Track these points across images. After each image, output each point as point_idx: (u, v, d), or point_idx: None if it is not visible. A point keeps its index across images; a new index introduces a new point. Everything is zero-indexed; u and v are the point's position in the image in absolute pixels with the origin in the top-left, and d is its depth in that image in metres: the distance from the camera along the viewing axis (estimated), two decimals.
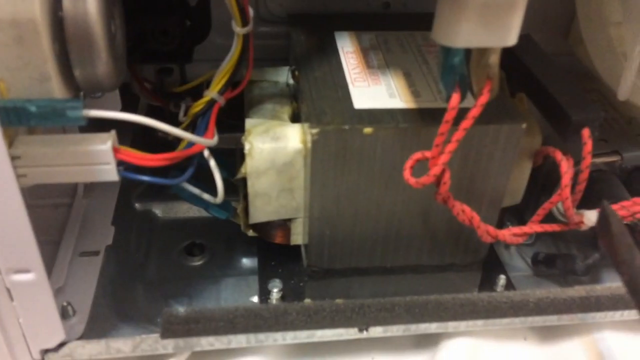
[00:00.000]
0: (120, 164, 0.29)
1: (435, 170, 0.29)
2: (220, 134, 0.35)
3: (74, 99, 0.27)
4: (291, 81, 0.39)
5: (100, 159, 0.28)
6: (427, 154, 0.29)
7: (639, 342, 0.38)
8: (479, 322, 0.35)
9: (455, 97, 0.27)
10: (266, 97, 0.38)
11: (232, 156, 0.40)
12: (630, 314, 0.36)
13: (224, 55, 0.34)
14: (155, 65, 0.40)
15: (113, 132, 0.29)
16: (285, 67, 0.41)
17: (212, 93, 0.34)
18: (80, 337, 0.33)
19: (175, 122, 0.37)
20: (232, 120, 0.38)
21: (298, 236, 0.38)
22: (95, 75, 0.28)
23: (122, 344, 0.33)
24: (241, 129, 0.35)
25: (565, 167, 0.32)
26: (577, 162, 0.34)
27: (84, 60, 0.27)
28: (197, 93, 0.40)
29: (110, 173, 0.29)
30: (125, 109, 0.38)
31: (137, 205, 0.45)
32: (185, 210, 0.46)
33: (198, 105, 0.34)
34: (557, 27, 0.48)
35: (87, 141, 0.28)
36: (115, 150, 0.28)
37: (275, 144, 0.33)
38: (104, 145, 0.28)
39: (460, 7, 0.25)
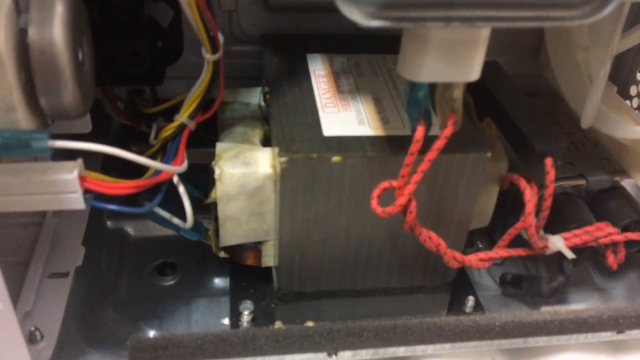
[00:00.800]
0: (88, 191, 0.29)
1: (402, 200, 0.29)
2: (193, 149, 0.35)
3: (39, 130, 0.27)
4: (263, 103, 0.40)
5: (66, 187, 0.28)
6: (394, 183, 0.30)
7: None
8: (447, 346, 0.35)
9: (420, 130, 0.28)
10: (237, 120, 0.38)
11: (205, 172, 0.40)
12: (594, 337, 0.37)
13: (197, 72, 0.34)
14: (126, 87, 0.39)
15: (80, 161, 0.28)
16: (257, 88, 0.41)
17: (182, 118, 0.34)
18: None
19: (147, 142, 0.38)
20: (206, 134, 0.38)
21: (269, 258, 0.38)
22: (62, 104, 0.28)
23: None
24: (213, 143, 0.35)
25: (529, 195, 0.33)
26: (542, 186, 0.35)
27: (50, 89, 0.27)
28: (169, 113, 0.40)
29: (76, 202, 0.29)
30: (97, 128, 0.37)
31: (108, 223, 0.45)
32: (158, 229, 0.45)
33: (168, 130, 0.34)
34: (526, 50, 0.49)
35: (53, 170, 0.28)
36: (81, 179, 0.28)
37: (246, 169, 0.34)
38: (70, 174, 0.28)
39: (423, 43, 0.25)
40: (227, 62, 0.34)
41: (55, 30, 0.26)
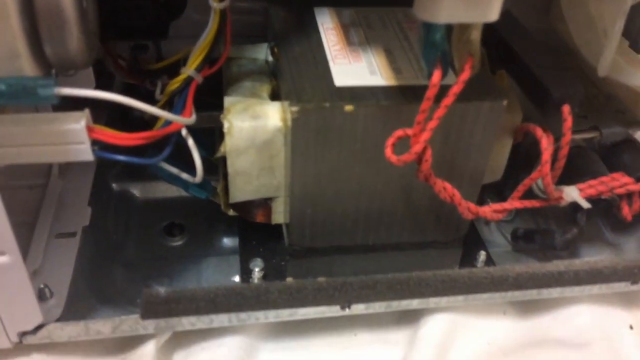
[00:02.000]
0: (95, 143, 0.28)
1: (417, 147, 0.28)
2: (199, 113, 0.34)
3: (45, 76, 0.26)
4: (270, 58, 0.39)
5: (74, 138, 0.27)
6: (409, 131, 0.29)
7: (614, 314, 0.38)
8: (460, 298, 0.35)
9: (436, 74, 0.27)
10: (245, 75, 0.37)
11: (211, 135, 0.40)
12: (607, 288, 0.36)
13: (200, 31, 0.33)
14: (129, 41, 0.38)
15: (87, 111, 0.28)
16: (264, 44, 0.40)
17: (189, 70, 0.33)
18: (59, 319, 0.33)
19: (151, 101, 0.37)
20: (211, 99, 0.37)
21: (279, 215, 0.37)
22: (67, 52, 0.27)
23: (102, 326, 0.32)
24: (220, 107, 0.35)
25: (546, 143, 0.33)
26: (557, 139, 0.34)
27: (55, 36, 0.26)
28: (173, 71, 0.39)
29: (84, 153, 0.28)
30: (99, 87, 0.36)
31: (114, 185, 0.45)
32: (164, 190, 0.45)
33: (175, 83, 0.33)
34: (538, 3, 0.48)
35: (60, 120, 0.27)
36: (89, 129, 0.27)
37: (255, 122, 0.33)
38: (78, 124, 0.27)
39: None
40: (233, 18, 0.33)
41: None
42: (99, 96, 0.27)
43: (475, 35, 0.27)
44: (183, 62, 0.35)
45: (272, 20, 0.38)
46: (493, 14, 0.26)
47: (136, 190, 0.45)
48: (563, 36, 0.45)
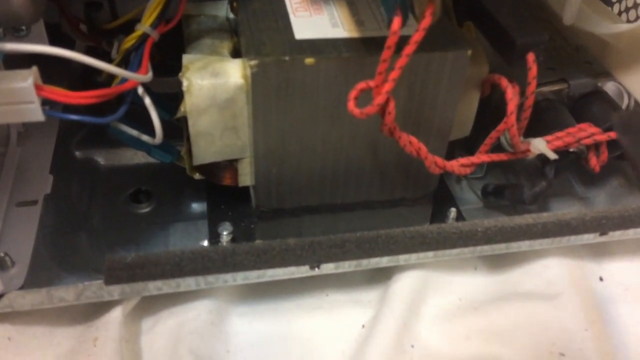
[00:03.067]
0: (46, 102, 0.27)
1: (380, 99, 0.28)
2: (160, 77, 0.33)
3: None
4: (231, 15, 0.37)
5: (22, 97, 0.26)
6: (371, 83, 0.28)
7: (584, 266, 0.39)
8: (430, 254, 0.35)
9: (396, 21, 0.26)
10: (205, 32, 0.36)
11: (174, 100, 0.38)
12: (576, 239, 0.37)
13: None
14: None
15: (34, 68, 0.26)
16: (223, 1, 0.39)
17: (143, 27, 0.32)
18: (21, 287, 0.32)
19: (109, 62, 0.36)
20: (172, 61, 0.36)
21: (246, 177, 0.36)
22: (11, 5, 0.26)
23: (65, 292, 0.32)
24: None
25: (511, 94, 0.32)
26: (524, 90, 0.33)
27: None
28: (131, 30, 0.38)
29: (34, 112, 0.27)
30: None
31: (77, 153, 0.44)
32: (130, 157, 0.44)
33: (130, 41, 0.32)
34: None
35: (5, 79, 0.26)
36: (37, 88, 0.26)
37: (215, 79, 0.32)
38: (25, 82, 0.26)
39: None
40: None
41: None
42: (46, 51, 0.26)
43: None
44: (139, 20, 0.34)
45: None
46: None
47: (100, 157, 0.44)
48: None
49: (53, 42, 0.34)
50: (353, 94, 0.29)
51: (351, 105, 0.28)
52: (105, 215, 0.40)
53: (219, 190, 0.38)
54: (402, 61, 0.27)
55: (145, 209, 0.41)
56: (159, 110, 0.34)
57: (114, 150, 0.44)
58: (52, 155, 0.41)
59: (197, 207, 0.41)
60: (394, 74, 0.27)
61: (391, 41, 0.26)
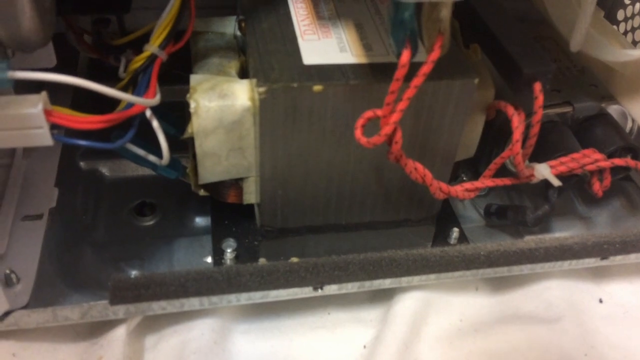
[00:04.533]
0: (55, 127, 0.27)
1: (387, 129, 0.28)
2: (167, 86, 0.33)
3: None
4: (238, 33, 0.37)
5: (31, 123, 0.26)
6: (379, 112, 0.28)
7: (584, 289, 0.39)
8: (432, 276, 0.35)
9: (405, 54, 0.26)
10: (212, 51, 0.36)
11: (179, 110, 0.38)
12: (577, 264, 0.37)
13: (166, 2, 0.31)
14: (90, 15, 0.37)
15: (44, 94, 0.27)
16: (232, 17, 0.39)
17: (152, 47, 0.32)
18: (26, 306, 0.32)
19: (116, 76, 0.36)
20: (179, 71, 0.36)
21: (251, 195, 0.37)
22: (20, 32, 0.26)
23: (70, 312, 0.32)
24: (188, 80, 0.34)
25: (517, 122, 0.32)
26: (529, 114, 0.34)
27: (6, 16, 0.25)
28: (138, 44, 0.37)
29: (43, 137, 0.27)
30: (63, 63, 0.35)
31: (82, 164, 0.44)
32: (134, 169, 0.44)
33: (138, 61, 0.32)
34: None
35: (15, 104, 0.26)
36: (47, 113, 0.26)
37: (223, 101, 0.32)
38: (35, 108, 0.26)
39: None
40: None
41: None
42: (56, 79, 0.26)
43: (445, 14, 0.26)
44: (148, 36, 0.34)
45: None
46: None
47: (105, 169, 0.44)
48: (538, 6, 0.44)
49: (58, 53, 0.34)
50: (360, 122, 0.29)
51: (358, 133, 0.29)
52: (109, 228, 0.40)
53: (224, 206, 0.38)
54: (410, 92, 0.27)
55: (149, 222, 0.41)
56: (164, 125, 0.34)
57: (119, 161, 0.44)
58: (58, 167, 0.41)
59: (201, 221, 0.41)
60: (402, 105, 0.28)
61: (400, 74, 0.27)
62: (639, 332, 0.38)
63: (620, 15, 0.49)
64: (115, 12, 0.37)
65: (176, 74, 0.35)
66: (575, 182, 0.39)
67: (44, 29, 0.27)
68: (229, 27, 0.38)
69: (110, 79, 0.41)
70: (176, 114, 0.37)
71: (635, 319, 0.38)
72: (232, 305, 0.35)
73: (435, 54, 0.27)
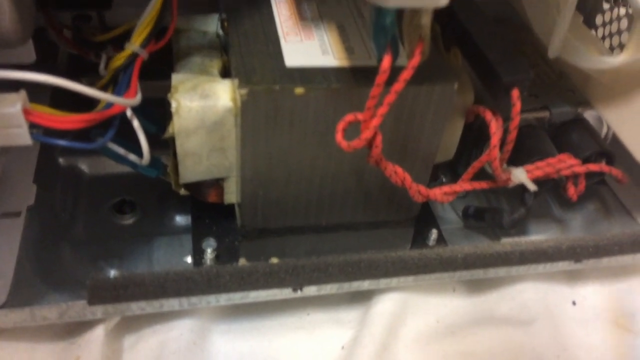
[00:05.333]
0: (35, 126, 0.27)
1: (367, 134, 0.28)
2: (148, 81, 0.32)
3: None
4: (221, 32, 0.37)
5: (10, 122, 0.26)
6: (360, 116, 0.29)
7: (557, 291, 0.40)
8: (410, 278, 0.36)
9: (387, 60, 0.26)
10: (194, 49, 0.36)
11: (160, 106, 0.38)
12: (551, 267, 0.38)
13: None
14: (71, 11, 0.36)
15: (23, 93, 0.26)
16: (214, 15, 0.39)
17: (133, 46, 0.31)
18: (3, 305, 0.32)
19: (97, 72, 0.35)
20: (160, 66, 0.36)
21: (232, 195, 0.37)
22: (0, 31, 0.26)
23: (48, 312, 0.32)
24: (169, 75, 0.34)
25: (494, 127, 0.33)
26: (507, 119, 0.34)
27: None
28: (119, 41, 0.37)
29: (22, 137, 0.27)
30: (43, 57, 0.35)
31: (61, 160, 0.43)
32: (114, 166, 0.44)
33: (119, 60, 0.32)
34: None
35: None
36: (26, 112, 0.26)
37: (204, 102, 0.32)
38: (13, 107, 0.26)
39: None
40: None
41: None
42: (35, 79, 0.26)
43: (426, 20, 0.26)
44: (129, 33, 0.33)
45: None
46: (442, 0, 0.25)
47: (84, 166, 0.44)
48: (518, 11, 0.45)
49: (38, 47, 0.34)
50: (341, 125, 0.29)
51: (339, 137, 0.29)
52: (88, 226, 0.40)
53: (204, 205, 0.38)
54: (390, 97, 0.28)
55: (129, 220, 0.41)
56: (144, 123, 0.34)
57: (99, 158, 0.43)
58: (36, 163, 0.40)
59: (181, 220, 0.41)
60: (382, 110, 0.28)
61: (380, 79, 0.27)
62: (611, 334, 0.39)
63: (598, 20, 0.50)
64: (96, 8, 0.36)
65: (157, 68, 0.35)
66: (552, 186, 0.40)
67: (23, 28, 0.27)
68: (212, 25, 0.38)
69: (90, 73, 0.41)
70: (157, 110, 0.37)
71: (607, 321, 0.39)
72: (211, 306, 0.35)
73: (416, 60, 0.27)
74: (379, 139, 0.29)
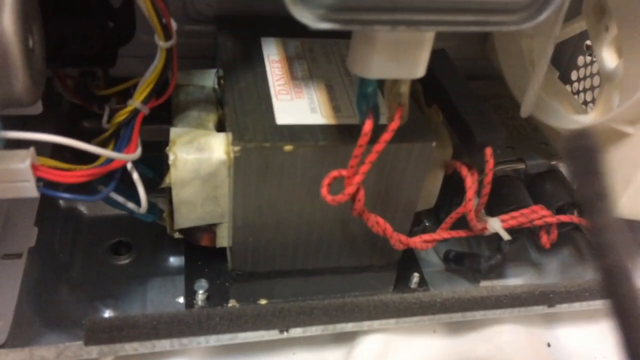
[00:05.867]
0: (40, 179, 0.29)
1: (350, 189, 0.31)
2: (146, 126, 0.34)
3: None
4: (217, 87, 0.40)
5: (19, 177, 0.28)
6: (344, 172, 0.31)
7: (533, 333, 0.42)
8: (392, 321, 0.38)
9: (368, 124, 0.29)
10: (192, 104, 0.39)
11: (158, 150, 0.40)
12: (526, 310, 0.40)
13: (150, 51, 0.33)
14: (77, 68, 0.39)
15: (32, 150, 0.29)
16: (212, 70, 0.41)
17: (135, 103, 0.34)
18: (3, 345, 0.33)
19: (99, 120, 0.38)
20: (159, 111, 0.38)
21: (223, 239, 0.39)
22: (13, 94, 0.28)
23: (46, 352, 0.33)
24: (165, 119, 0.35)
25: (470, 182, 0.35)
26: (482, 171, 0.37)
27: (1, 80, 0.27)
28: (122, 94, 0.40)
29: (29, 190, 0.29)
30: (47, 105, 0.37)
31: (61, 202, 0.45)
32: (112, 208, 0.45)
33: (121, 115, 0.34)
34: (474, 35, 0.50)
35: (5, 159, 0.28)
36: (34, 168, 0.28)
37: (200, 154, 0.34)
38: (23, 163, 0.28)
39: (372, 43, 0.26)
40: (181, 42, 0.34)
41: (4, 21, 0.26)
42: (45, 139, 0.28)
43: (404, 89, 0.29)
44: (132, 88, 0.36)
45: (220, 48, 0.40)
46: (419, 72, 0.28)
47: (83, 208, 0.46)
48: (496, 67, 0.48)
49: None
50: (326, 181, 0.31)
51: (324, 191, 0.31)
52: (86, 266, 0.42)
53: (197, 247, 0.40)
54: (372, 157, 0.30)
55: (125, 261, 0.43)
56: (142, 168, 0.36)
57: (97, 201, 0.45)
58: (38, 205, 0.42)
59: (174, 261, 0.43)
60: (365, 168, 0.30)
61: (362, 141, 0.29)
62: None
63: (574, 75, 0.53)
64: (101, 66, 0.39)
65: (155, 114, 0.37)
66: (528, 232, 0.43)
67: (35, 89, 0.29)
68: (209, 80, 0.41)
69: (92, 118, 0.43)
70: (154, 154, 0.39)
71: None
72: (201, 346, 0.37)
73: (395, 124, 0.29)
74: (361, 193, 0.31)
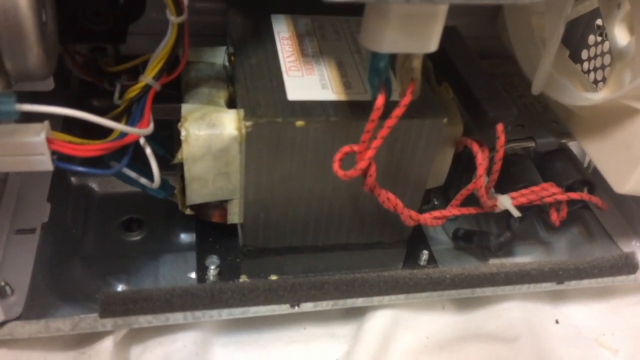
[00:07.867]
0: (54, 153, 0.29)
1: (362, 164, 0.31)
2: (157, 105, 0.34)
3: (5, 93, 0.27)
4: (228, 64, 0.40)
5: (34, 150, 0.28)
6: (355, 147, 0.31)
7: (541, 310, 0.42)
8: (401, 296, 0.38)
9: (380, 99, 0.29)
10: (202, 80, 0.39)
11: (169, 128, 0.41)
12: (535, 287, 0.40)
13: (160, 28, 0.33)
14: (88, 44, 0.39)
15: (47, 123, 0.29)
16: (222, 48, 0.41)
17: (147, 79, 0.34)
18: (19, 317, 0.34)
19: (111, 97, 0.38)
20: (169, 90, 0.38)
21: (234, 216, 0.39)
22: (27, 67, 0.28)
23: (62, 324, 0.34)
24: (176, 98, 0.36)
25: (480, 158, 0.35)
26: (493, 149, 0.37)
27: (16, 53, 0.27)
28: (132, 71, 0.40)
29: (44, 163, 0.29)
30: (57, 82, 0.37)
31: (73, 179, 0.46)
32: (123, 184, 0.45)
33: (133, 91, 0.34)
34: (486, 12, 0.50)
35: (20, 132, 0.28)
36: (49, 141, 0.29)
37: (211, 130, 0.34)
38: (38, 136, 0.28)
39: (385, 17, 0.26)
40: (191, 19, 0.34)
41: None
42: (59, 112, 0.28)
43: (417, 64, 0.29)
44: (142, 65, 0.36)
45: (230, 26, 0.40)
46: (432, 46, 0.28)
47: (95, 185, 0.46)
48: (507, 45, 0.47)
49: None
50: (338, 156, 0.31)
51: (336, 166, 0.31)
52: (98, 242, 0.42)
53: (208, 224, 0.41)
54: (383, 132, 0.30)
55: (136, 237, 0.43)
56: (153, 145, 0.36)
57: (109, 177, 0.46)
58: (50, 183, 0.43)
59: (186, 237, 0.44)
60: (376, 143, 0.30)
61: (374, 116, 0.29)
62: (591, 352, 0.41)
63: (584, 54, 0.53)
64: (112, 42, 0.39)
65: (166, 93, 0.38)
66: (537, 210, 0.43)
67: (48, 63, 0.29)
68: (219, 57, 0.41)
69: (101, 97, 0.43)
70: (165, 132, 0.40)
71: (588, 339, 0.42)
72: (213, 320, 0.38)
73: (407, 99, 0.29)
74: (373, 168, 0.31)
